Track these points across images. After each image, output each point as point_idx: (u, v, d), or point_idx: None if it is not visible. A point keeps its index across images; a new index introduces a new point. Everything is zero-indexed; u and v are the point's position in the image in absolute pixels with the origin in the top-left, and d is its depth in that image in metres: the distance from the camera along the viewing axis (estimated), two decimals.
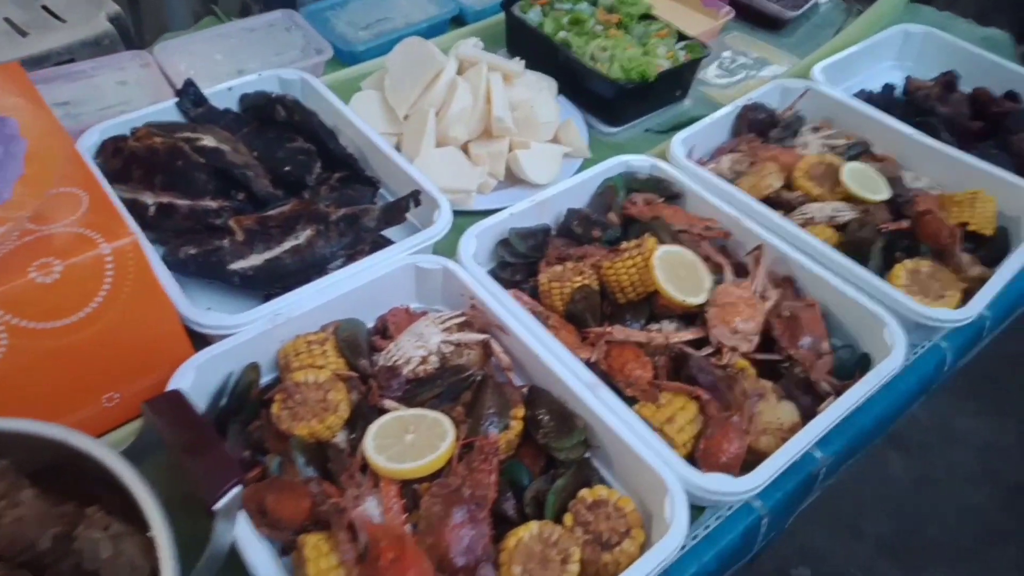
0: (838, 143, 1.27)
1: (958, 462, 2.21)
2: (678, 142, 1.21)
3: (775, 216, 1.09)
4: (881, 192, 1.14)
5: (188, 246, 1.00)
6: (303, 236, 1.01)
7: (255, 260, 0.99)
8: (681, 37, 1.45)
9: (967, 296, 1.04)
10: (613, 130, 1.40)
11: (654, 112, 1.44)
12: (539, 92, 1.34)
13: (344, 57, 1.46)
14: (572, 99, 1.42)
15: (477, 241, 1.02)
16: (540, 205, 1.11)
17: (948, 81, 1.49)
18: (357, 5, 1.56)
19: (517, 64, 1.31)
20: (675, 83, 1.43)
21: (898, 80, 1.54)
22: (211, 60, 1.39)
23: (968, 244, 1.13)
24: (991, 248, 1.13)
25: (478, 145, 1.23)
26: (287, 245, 1.00)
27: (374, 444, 0.79)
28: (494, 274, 1.03)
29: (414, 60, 1.27)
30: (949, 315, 0.98)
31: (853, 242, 1.08)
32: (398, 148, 1.25)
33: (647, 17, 1.49)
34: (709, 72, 1.57)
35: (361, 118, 1.24)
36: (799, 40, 1.69)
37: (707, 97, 1.51)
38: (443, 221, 1.04)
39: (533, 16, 1.47)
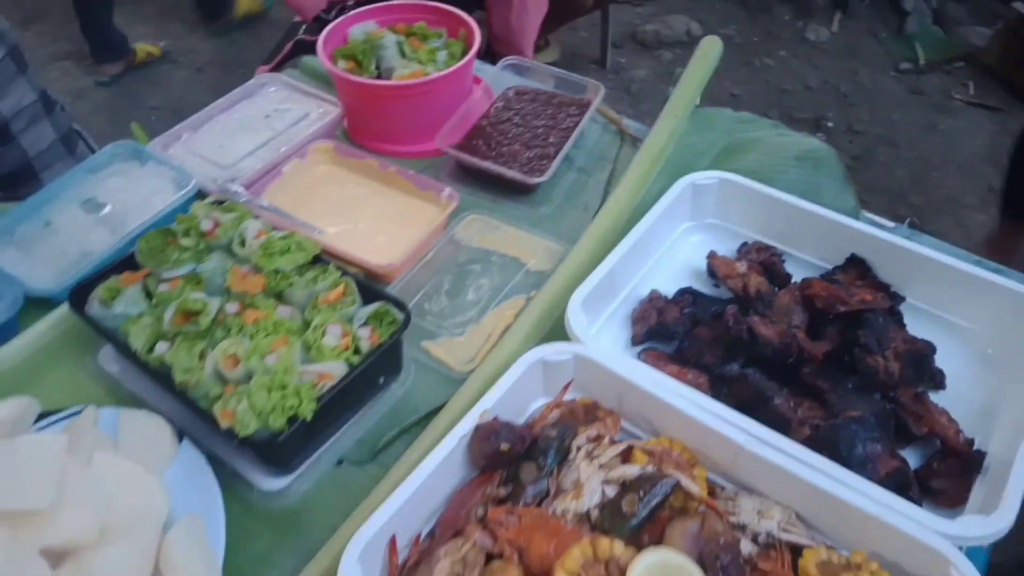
0: (630, 475, 0.78)
1: None
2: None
3: None
4: None
5: None
6: None
7: None
8: (369, 295, 0.92)
9: None
10: (280, 484, 0.86)
11: (346, 425, 0.91)
12: (131, 480, 0.78)
13: None
14: (208, 435, 0.88)
15: None
16: None
17: (767, 264, 1.03)
18: None
19: (44, 486, 0.73)
20: (368, 378, 0.90)
21: (698, 249, 1.08)
22: None
23: None
24: None
25: None
26: None
27: None
28: None
29: None
30: None
31: None
32: None
33: (316, 261, 0.96)
34: (430, 315, 1.05)
35: None
36: (559, 207, 1.19)
37: (432, 358, 0.99)
38: None
39: (123, 307, 0.90)
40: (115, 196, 1.10)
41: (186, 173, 1.12)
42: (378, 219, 1.13)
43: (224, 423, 0.79)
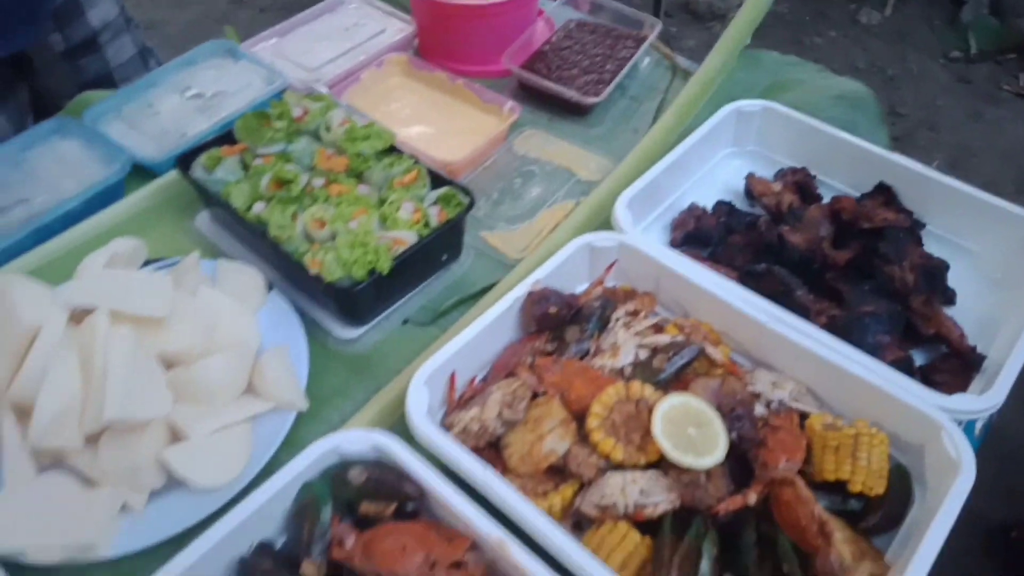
0: (661, 342, 0.88)
1: None
2: (419, 415, 0.79)
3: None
4: (712, 450, 0.76)
5: None
6: None
7: None
8: (438, 181, 1.03)
9: None
10: (354, 333, 0.98)
11: (413, 291, 1.03)
12: (229, 311, 0.90)
13: None
14: (292, 289, 1.00)
15: None
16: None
17: (799, 183, 1.12)
18: None
19: (161, 300, 0.85)
20: (434, 251, 1.02)
21: (738, 173, 1.17)
22: None
23: (855, 502, 0.77)
24: (887, 506, 0.77)
25: (109, 450, 0.79)
26: None
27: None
28: None
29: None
30: None
31: None
32: None
33: (392, 150, 1.07)
34: (488, 210, 1.15)
35: None
36: (610, 128, 1.29)
37: (489, 246, 1.10)
38: None
39: (223, 174, 1.02)
40: (211, 87, 1.22)
41: (276, 70, 1.23)
42: (444, 126, 1.24)
43: (313, 270, 0.90)
